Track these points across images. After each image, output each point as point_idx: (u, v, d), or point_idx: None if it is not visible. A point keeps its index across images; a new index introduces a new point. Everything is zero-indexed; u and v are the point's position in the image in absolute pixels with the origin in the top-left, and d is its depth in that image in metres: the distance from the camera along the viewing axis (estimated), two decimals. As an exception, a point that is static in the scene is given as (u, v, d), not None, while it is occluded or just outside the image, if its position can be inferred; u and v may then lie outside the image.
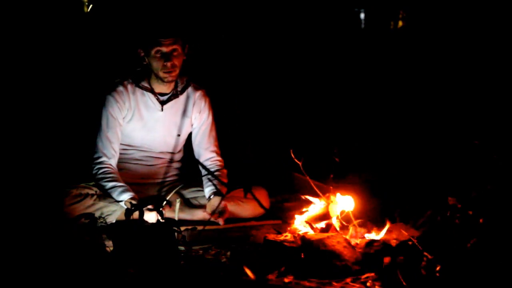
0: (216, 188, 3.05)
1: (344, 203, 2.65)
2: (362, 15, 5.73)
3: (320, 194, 2.69)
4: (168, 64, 2.95)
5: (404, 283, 2.13)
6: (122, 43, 3.97)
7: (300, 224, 2.68)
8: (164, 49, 2.94)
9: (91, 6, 4.19)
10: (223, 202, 2.97)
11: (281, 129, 4.46)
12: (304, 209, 2.74)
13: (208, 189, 3.10)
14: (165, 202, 2.65)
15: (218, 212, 2.96)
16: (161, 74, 2.98)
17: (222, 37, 4.43)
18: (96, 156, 3.02)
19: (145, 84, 3.08)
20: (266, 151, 4.25)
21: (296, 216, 2.74)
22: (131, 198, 2.87)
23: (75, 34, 4.13)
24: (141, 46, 3.00)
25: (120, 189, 2.92)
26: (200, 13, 4.32)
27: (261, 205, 2.85)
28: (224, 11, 4.52)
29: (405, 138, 4.15)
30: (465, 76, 4.28)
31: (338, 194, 2.67)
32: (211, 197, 3.04)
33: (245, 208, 3.14)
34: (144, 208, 2.41)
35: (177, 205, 2.84)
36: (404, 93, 4.68)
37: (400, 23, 5.56)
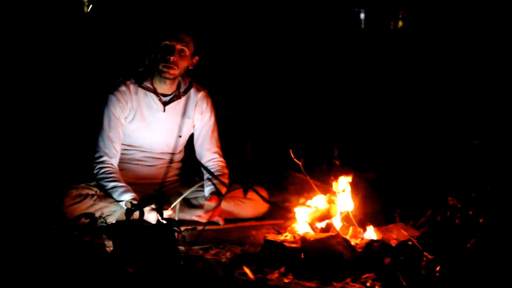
0: (216, 188, 3.05)
1: (344, 203, 2.65)
2: (362, 15, 5.73)
3: (320, 195, 2.68)
4: (171, 58, 2.95)
5: (404, 283, 2.13)
6: (130, 36, 3.95)
7: (300, 224, 2.67)
8: (173, 44, 2.95)
9: (91, 6, 4.19)
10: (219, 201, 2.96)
11: (280, 129, 4.47)
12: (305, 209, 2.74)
13: (207, 189, 3.10)
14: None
15: (212, 210, 2.95)
16: (160, 66, 2.98)
17: (222, 36, 4.43)
18: (97, 155, 3.00)
19: (148, 85, 3.07)
20: (265, 151, 4.25)
21: (297, 215, 2.74)
22: (132, 199, 2.87)
23: (76, 33, 4.12)
24: (153, 37, 3.00)
25: (121, 190, 2.92)
26: (202, 12, 4.32)
27: (264, 199, 2.84)
28: (224, 11, 4.52)
29: (405, 138, 4.15)
30: (465, 75, 4.28)
31: (338, 194, 2.67)
32: (209, 197, 3.05)
33: (245, 208, 3.14)
34: (144, 208, 2.41)
35: (177, 205, 2.84)
36: (404, 92, 4.69)
37: (400, 23, 5.56)
